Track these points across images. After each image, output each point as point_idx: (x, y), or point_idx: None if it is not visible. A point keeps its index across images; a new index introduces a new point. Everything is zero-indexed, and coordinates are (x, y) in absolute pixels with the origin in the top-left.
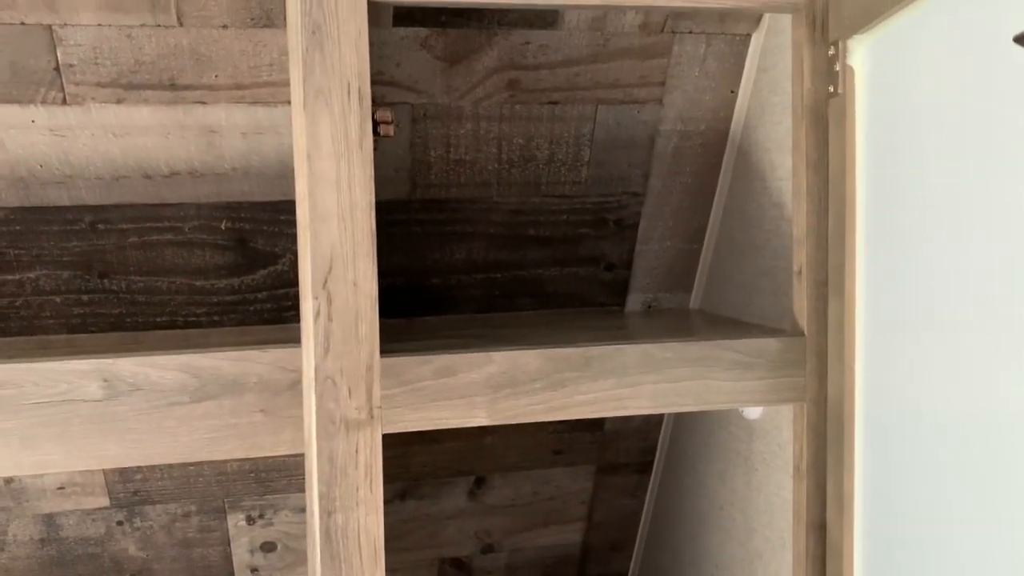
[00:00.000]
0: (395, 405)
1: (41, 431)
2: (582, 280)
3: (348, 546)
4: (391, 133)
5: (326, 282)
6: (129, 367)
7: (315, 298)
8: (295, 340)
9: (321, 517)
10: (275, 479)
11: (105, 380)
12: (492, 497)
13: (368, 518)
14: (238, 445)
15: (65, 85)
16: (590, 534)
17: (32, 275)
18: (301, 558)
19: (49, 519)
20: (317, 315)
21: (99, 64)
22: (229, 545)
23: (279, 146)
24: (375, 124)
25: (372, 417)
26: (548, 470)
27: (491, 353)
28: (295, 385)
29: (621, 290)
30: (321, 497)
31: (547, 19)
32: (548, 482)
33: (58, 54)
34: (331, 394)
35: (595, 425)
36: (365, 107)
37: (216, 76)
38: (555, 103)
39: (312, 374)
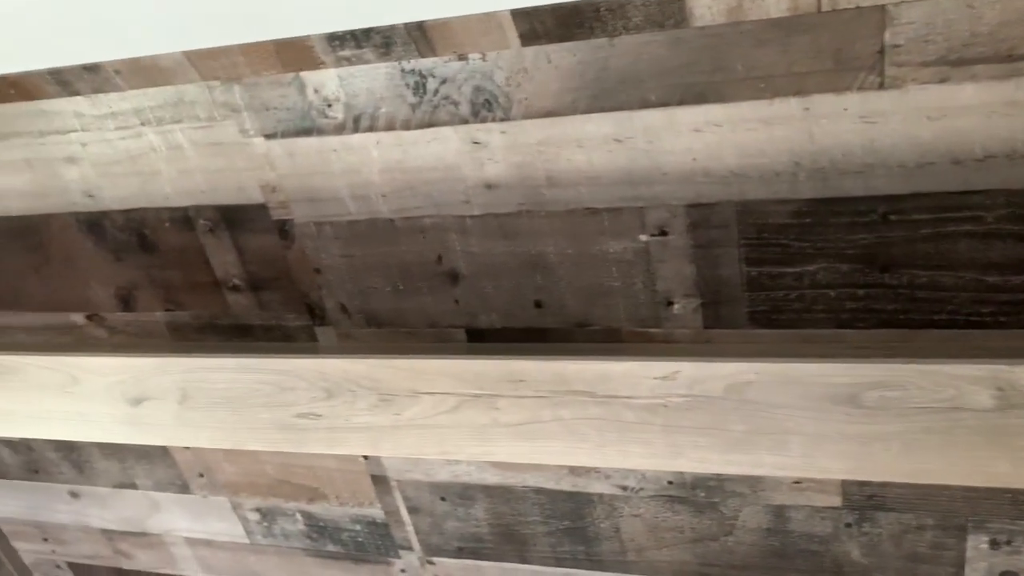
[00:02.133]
0: None
1: (923, 438)
2: None
3: None
4: None
5: None
6: None
7: None
8: None
9: None
10: None
11: (999, 389)
12: None
13: None
14: None
15: (886, 68)
16: None
17: (811, 268)
18: None
19: (779, 511)
20: None
21: (928, 41)
22: (963, 568)
23: None
24: None
25: None
26: None
27: None
28: None
29: None
30: None
31: None
32: None
33: (886, 35)
34: None
35: None
36: None
37: None
38: None
39: None
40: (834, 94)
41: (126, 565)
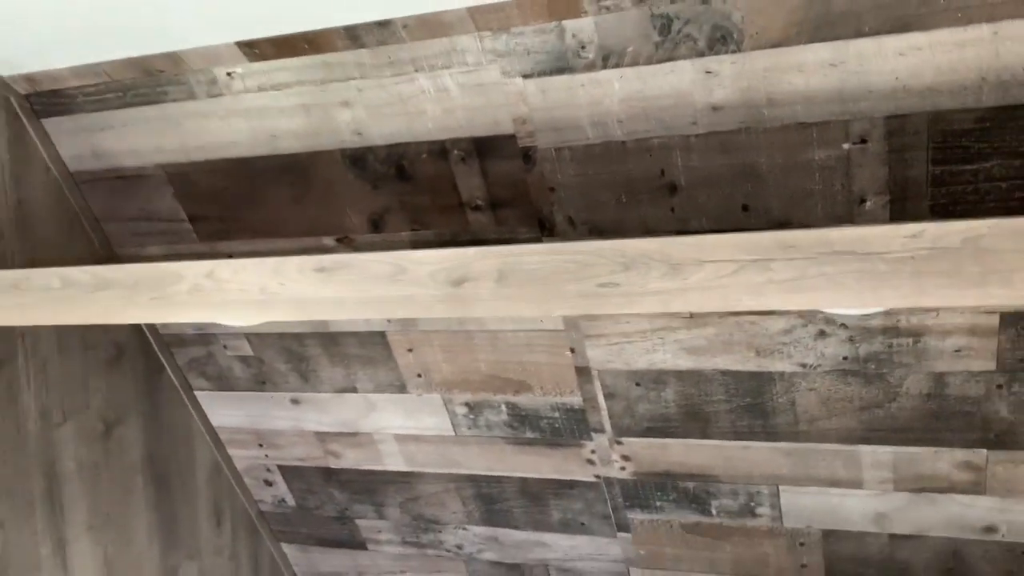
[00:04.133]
0: None
1: None
2: None
3: None
4: None
5: None
6: None
7: None
8: None
9: None
10: None
11: None
12: None
13: None
14: None
15: None
16: None
17: (987, 165)
18: None
19: (939, 377)
20: None
21: None
22: None
23: None
24: None
25: None
26: None
27: None
28: None
29: None
30: None
31: None
32: None
33: None
34: None
35: None
36: None
37: None
38: None
39: None
40: (1021, 19)
41: (334, 464)
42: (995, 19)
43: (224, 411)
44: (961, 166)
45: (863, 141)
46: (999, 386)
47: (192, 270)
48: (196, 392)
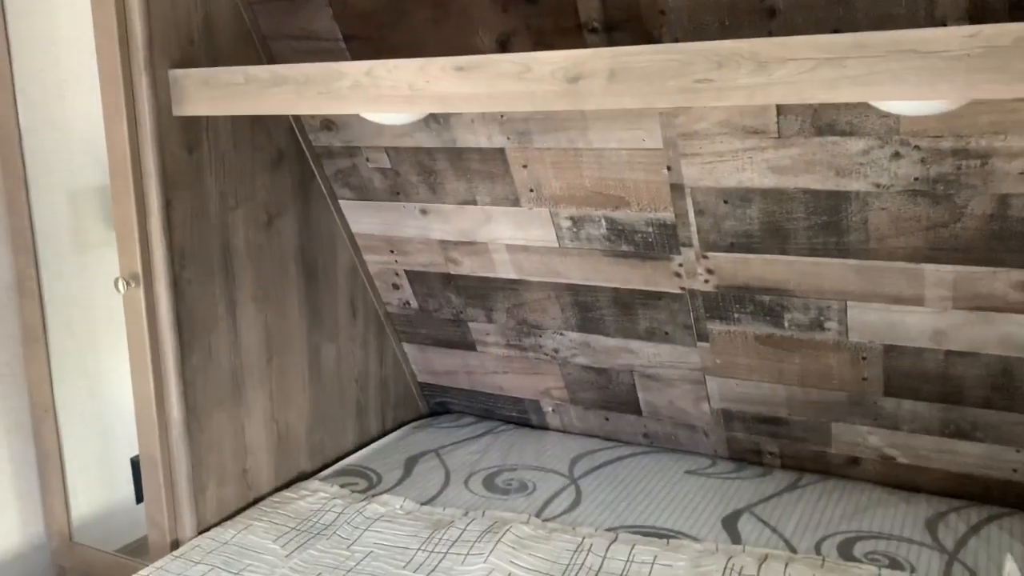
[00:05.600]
0: None
1: None
2: None
3: None
4: None
5: None
6: None
7: None
8: None
9: None
10: None
11: None
12: None
13: None
14: None
15: None
16: None
17: None
18: None
19: (1003, 199)
20: None
21: None
22: None
23: None
24: None
25: None
26: None
27: None
28: None
29: None
30: None
31: None
32: None
33: None
34: None
35: None
36: None
37: None
38: None
39: None
40: None
41: (453, 270)
42: None
43: (363, 219)
44: None
45: None
46: None
47: (354, 68)
48: (340, 201)
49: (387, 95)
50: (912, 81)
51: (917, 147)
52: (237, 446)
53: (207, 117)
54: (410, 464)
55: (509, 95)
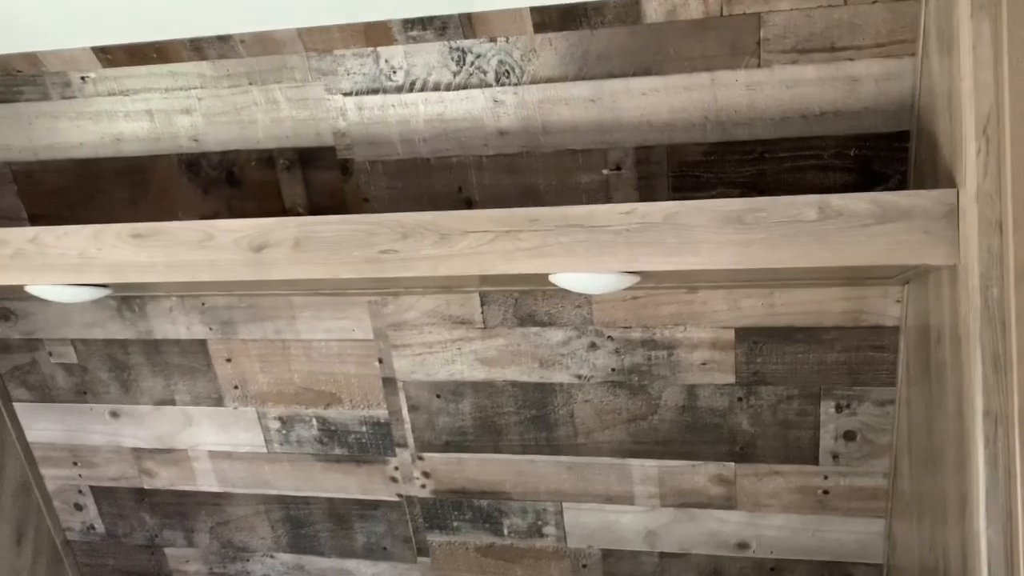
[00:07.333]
0: None
1: (779, 239)
2: None
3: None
4: None
5: (985, 129)
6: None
7: (976, 140)
8: None
9: (982, 292)
10: (864, 372)
11: (820, 209)
12: None
13: None
14: (909, 255)
15: (761, 54)
16: None
17: (714, 192)
18: (876, 450)
19: (691, 390)
20: (978, 152)
21: (785, 38)
22: (818, 430)
23: (901, 89)
24: None
25: None
26: None
27: None
28: (951, 213)
29: None
30: (982, 276)
31: None
32: None
33: (761, 32)
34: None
35: None
36: None
37: (863, 39)
38: None
39: (974, 191)
40: (730, 70)
41: (147, 484)
42: (712, 69)
43: (41, 424)
44: (693, 193)
45: (618, 168)
46: (739, 399)
47: (16, 235)
48: (15, 403)
49: (54, 264)
50: (581, 253)
51: (610, 337)
52: None
53: None
54: None
55: (190, 264)
